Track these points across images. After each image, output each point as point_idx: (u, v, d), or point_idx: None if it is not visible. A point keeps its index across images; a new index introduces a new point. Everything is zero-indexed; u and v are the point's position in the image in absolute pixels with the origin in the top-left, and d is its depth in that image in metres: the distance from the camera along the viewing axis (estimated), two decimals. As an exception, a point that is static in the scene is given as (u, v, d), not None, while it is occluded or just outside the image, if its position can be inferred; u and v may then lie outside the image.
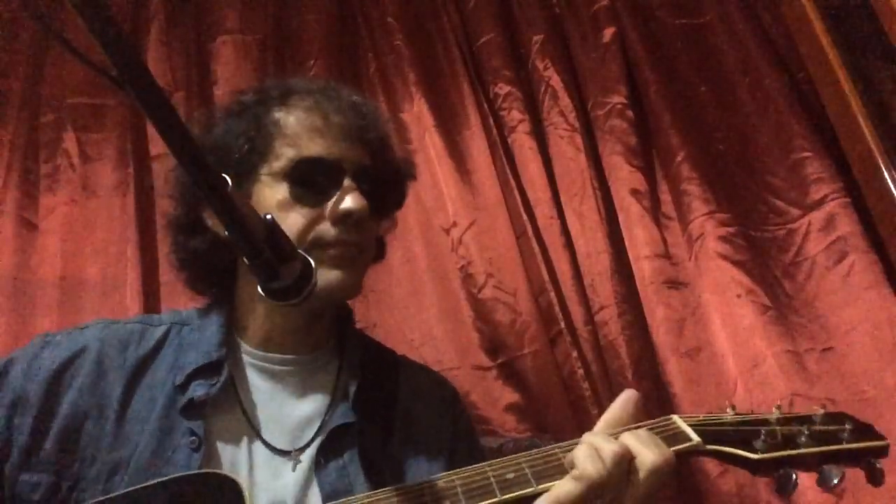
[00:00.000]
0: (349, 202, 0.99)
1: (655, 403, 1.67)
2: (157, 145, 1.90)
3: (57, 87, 1.98)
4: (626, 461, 0.79)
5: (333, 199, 1.00)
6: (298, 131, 1.03)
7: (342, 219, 0.99)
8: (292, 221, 0.98)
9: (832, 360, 1.62)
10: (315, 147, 1.02)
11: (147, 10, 2.05)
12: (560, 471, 0.81)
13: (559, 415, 1.71)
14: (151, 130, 1.92)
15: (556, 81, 1.97)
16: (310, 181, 1.01)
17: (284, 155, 1.02)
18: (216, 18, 2.06)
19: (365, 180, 1.04)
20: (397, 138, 1.94)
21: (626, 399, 0.90)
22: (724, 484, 1.57)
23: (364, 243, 1.05)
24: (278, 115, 1.05)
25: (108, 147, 1.94)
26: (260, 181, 1.02)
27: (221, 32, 2.04)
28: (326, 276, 0.98)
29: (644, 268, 1.77)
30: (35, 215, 1.86)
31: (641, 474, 0.79)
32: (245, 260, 0.73)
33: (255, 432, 0.98)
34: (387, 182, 1.11)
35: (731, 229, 1.77)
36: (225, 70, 1.98)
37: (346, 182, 1.01)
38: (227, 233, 0.72)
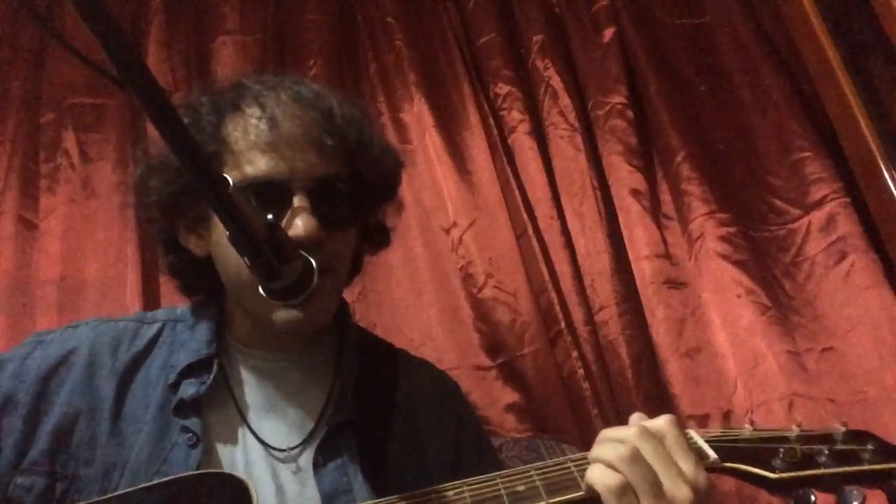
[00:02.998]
0: (297, 227, 0.89)
1: (655, 403, 1.67)
2: (157, 145, 1.90)
3: (57, 87, 1.98)
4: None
5: (283, 224, 0.89)
6: (243, 147, 0.94)
7: None
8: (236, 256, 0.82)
9: (832, 360, 1.62)
10: (258, 165, 0.92)
11: (147, 10, 2.05)
12: (572, 484, 0.80)
13: (559, 415, 1.70)
14: (151, 130, 1.92)
15: (556, 81, 1.97)
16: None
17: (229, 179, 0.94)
18: (216, 18, 2.06)
19: (322, 193, 0.94)
20: (396, 138, 1.95)
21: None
22: (724, 484, 1.57)
23: (326, 265, 0.90)
24: (228, 128, 0.96)
25: (108, 147, 1.94)
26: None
27: (221, 32, 2.04)
28: (287, 314, 0.91)
29: (644, 268, 1.76)
30: (35, 215, 1.86)
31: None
32: (246, 260, 0.73)
33: (249, 430, 0.97)
34: (361, 184, 1.01)
35: (731, 229, 1.77)
36: (225, 70, 1.97)
37: (297, 201, 0.91)
38: (227, 233, 0.72)
